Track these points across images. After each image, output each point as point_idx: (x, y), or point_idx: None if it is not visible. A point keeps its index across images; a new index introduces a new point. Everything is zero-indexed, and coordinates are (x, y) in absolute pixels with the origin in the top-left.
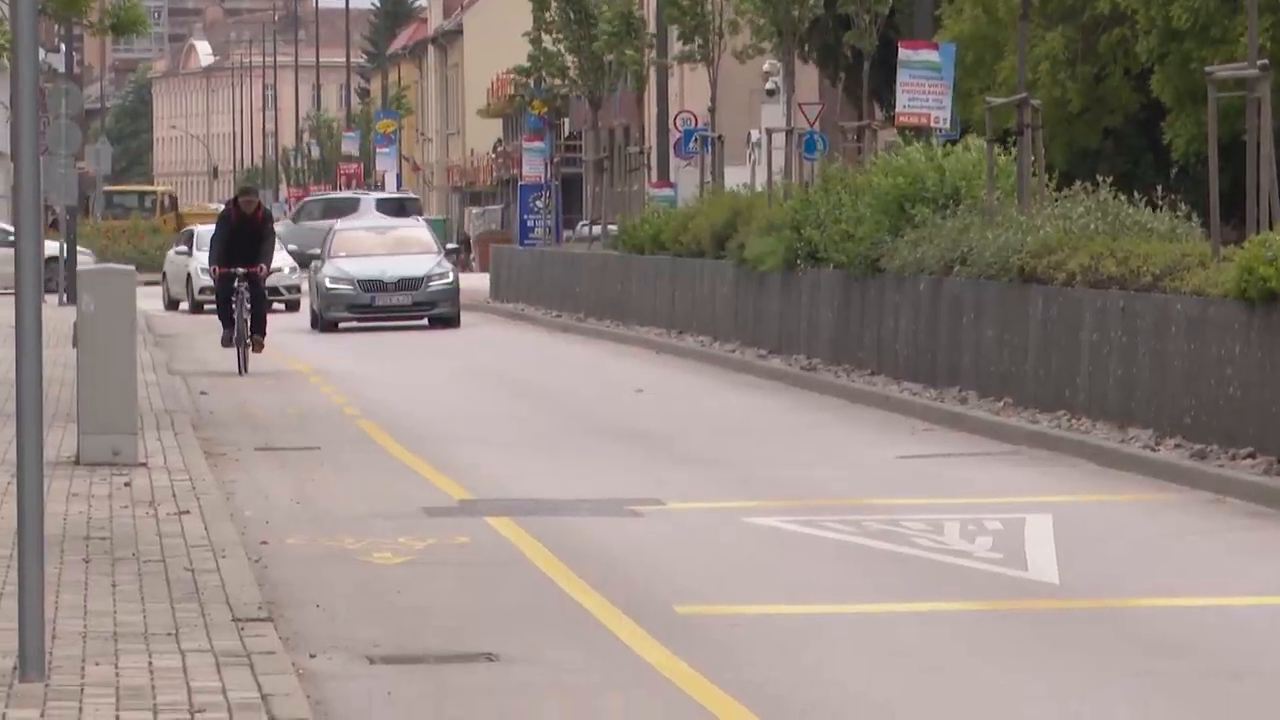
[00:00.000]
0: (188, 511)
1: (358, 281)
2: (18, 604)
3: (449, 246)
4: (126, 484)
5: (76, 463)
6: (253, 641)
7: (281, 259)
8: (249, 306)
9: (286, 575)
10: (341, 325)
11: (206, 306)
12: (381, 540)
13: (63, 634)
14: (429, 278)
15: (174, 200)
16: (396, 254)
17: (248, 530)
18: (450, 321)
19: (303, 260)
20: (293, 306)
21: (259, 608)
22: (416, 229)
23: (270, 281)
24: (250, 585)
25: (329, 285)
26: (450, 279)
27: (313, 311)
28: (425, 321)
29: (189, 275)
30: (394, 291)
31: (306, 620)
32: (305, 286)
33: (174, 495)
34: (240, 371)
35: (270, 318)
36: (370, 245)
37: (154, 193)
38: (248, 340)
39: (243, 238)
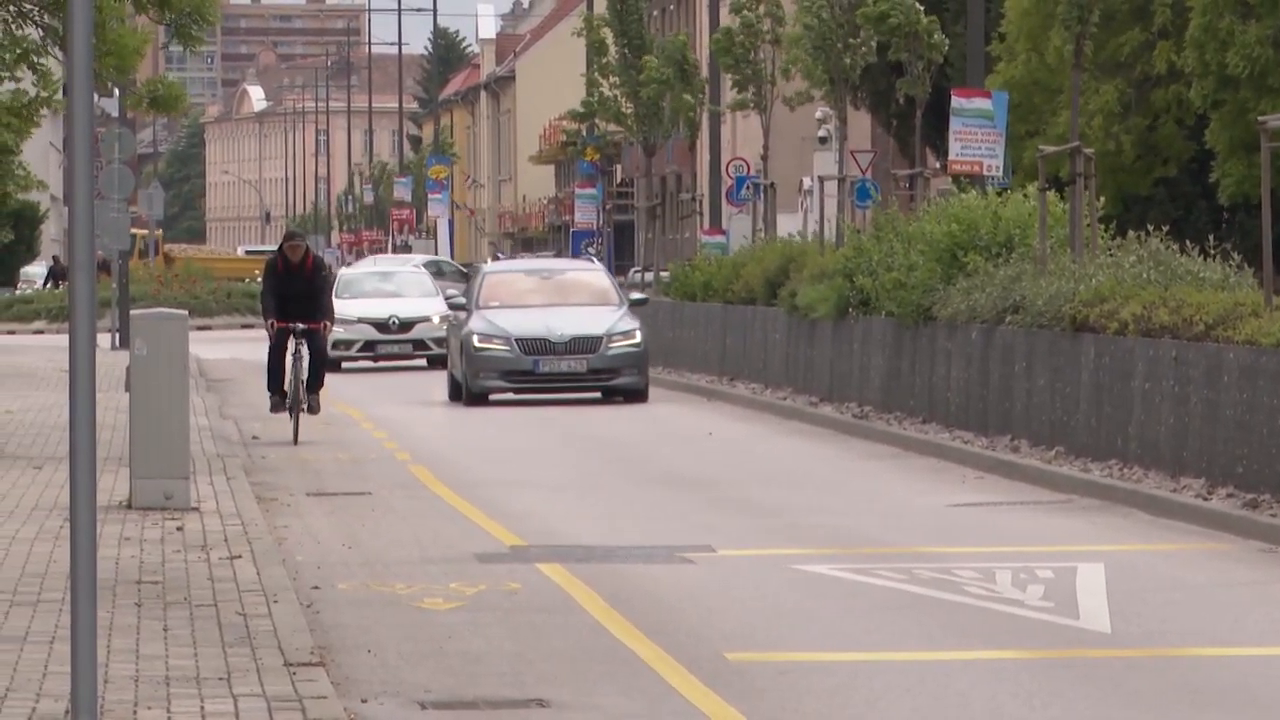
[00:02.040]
0: (239, 556)
1: (516, 340)
2: (70, 648)
3: (634, 297)
4: (178, 528)
5: (129, 507)
6: (304, 686)
7: (430, 306)
8: (306, 366)
9: (338, 620)
10: (494, 397)
11: (344, 364)
12: (433, 586)
13: (115, 678)
14: (609, 337)
15: (156, 244)
16: (566, 304)
17: (299, 575)
18: (636, 395)
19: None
20: (445, 362)
21: (311, 652)
22: (592, 272)
23: (415, 333)
24: (302, 630)
25: (478, 345)
26: (637, 340)
27: (453, 379)
28: (599, 394)
29: None
30: (564, 355)
31: (358, 665)
32: None
33: (226, 540)
34: (294, 440)
35: (405, 381)
36: (531, 293)
37: (133, 235)
38: (302, 406)
39: (295, 289)
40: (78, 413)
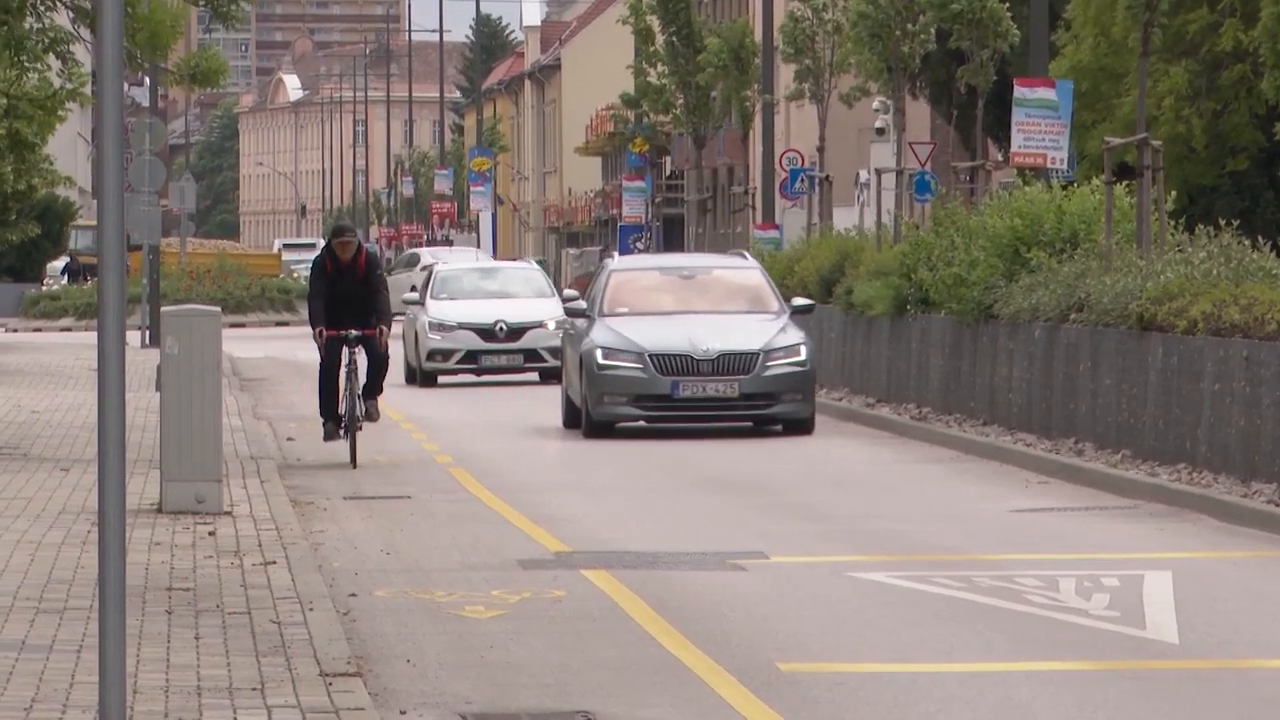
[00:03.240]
0: (274, 562)
1: (650, 357)
2: (98, 656)
3: (798, 303)
4: (211, 533)
5: (159, 511)
6: (341, 697)
7: (544, 309)
8: (362, 378)
9: (376, 629)
10: (621, 425)
11: (441, 378)
12: (474, 593)
13: (144, 688)
14: (767, 354)
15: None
16: (713, 312)
17: (336, 582)
18: (799, 426)
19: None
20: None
21: (347, 662)
22: (745, 270)
23: (526, 342)
24: (338, 639)
25: (602, 362)
26: (802, 357)
27: (569, 402)
28: (750, 424)
29: (416, 334)
30: (710, 376)
31: (396, 675)
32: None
33: (260, 545)
34: (351, 463)
35: (510, 400)
36: (669, 296)
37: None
38: (359, 422)
39: (347, 291)
40: (107, 413)
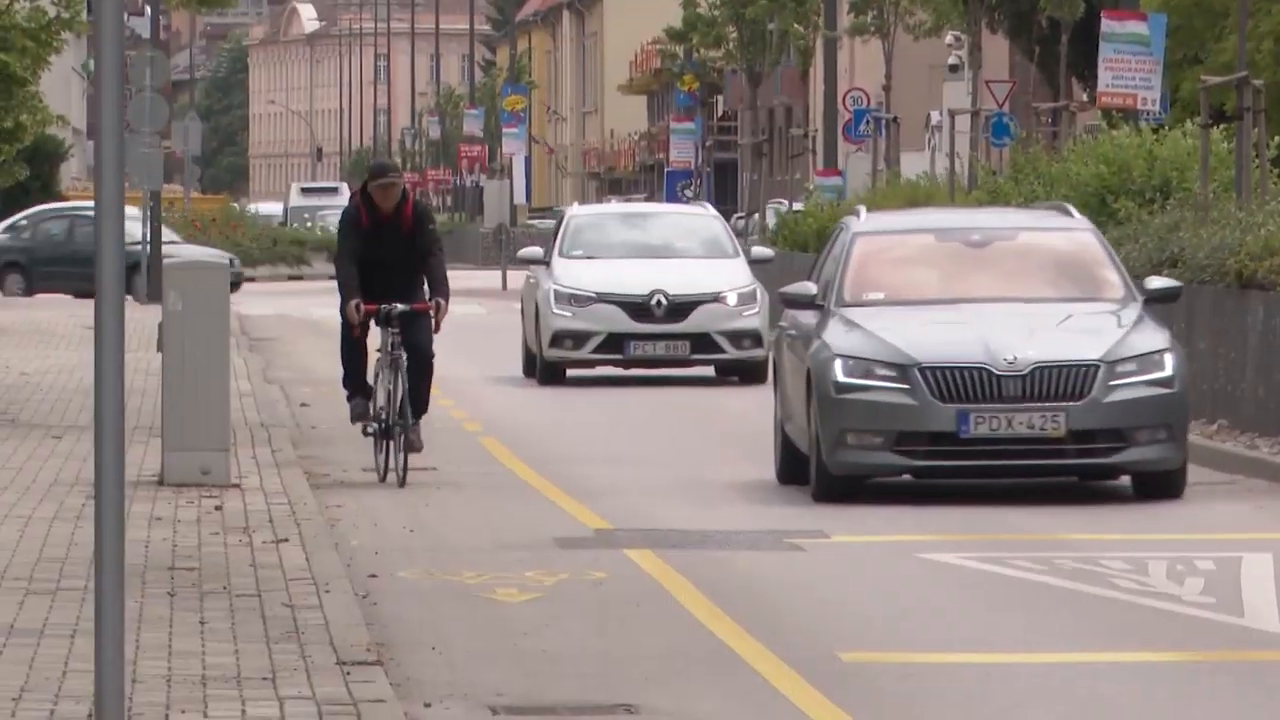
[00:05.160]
0: (286, 539)
1: (924, 373)
2: (94, 642)
3: (1155, 284)
4: (217, 507)
5: (160, 483)
6: (360, 688)
7: (722, 275)
8: (404, 377)
9: (398, 613)
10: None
11: (571, 372)
12: (506, 574)
13: (144, 677)
14: (1111, 366)
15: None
16: (1020, 299)
17: (354, 562)
18: (1164, 483)
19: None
20: (745, 374)
21: (367, 649)
22: (1069, 231)
23: (694, 323)
24: (357, 624)
25: (844, 380)
26: (1167, 371)
27: (785, 441)
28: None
29: (537, 307)
30: (1019, 404)
31: (421, 664)
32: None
33: (271, 521)
34: (381, 476)
35: (684, 416)
36: (947, 275)
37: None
38: (411, 434)
39: (389, 252)
40: (104, 376)
